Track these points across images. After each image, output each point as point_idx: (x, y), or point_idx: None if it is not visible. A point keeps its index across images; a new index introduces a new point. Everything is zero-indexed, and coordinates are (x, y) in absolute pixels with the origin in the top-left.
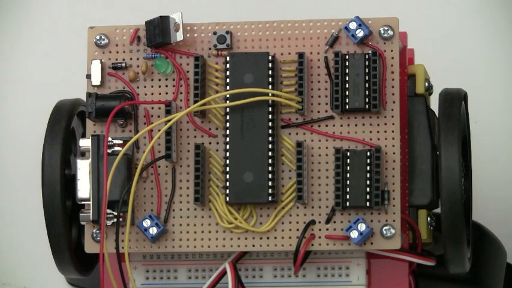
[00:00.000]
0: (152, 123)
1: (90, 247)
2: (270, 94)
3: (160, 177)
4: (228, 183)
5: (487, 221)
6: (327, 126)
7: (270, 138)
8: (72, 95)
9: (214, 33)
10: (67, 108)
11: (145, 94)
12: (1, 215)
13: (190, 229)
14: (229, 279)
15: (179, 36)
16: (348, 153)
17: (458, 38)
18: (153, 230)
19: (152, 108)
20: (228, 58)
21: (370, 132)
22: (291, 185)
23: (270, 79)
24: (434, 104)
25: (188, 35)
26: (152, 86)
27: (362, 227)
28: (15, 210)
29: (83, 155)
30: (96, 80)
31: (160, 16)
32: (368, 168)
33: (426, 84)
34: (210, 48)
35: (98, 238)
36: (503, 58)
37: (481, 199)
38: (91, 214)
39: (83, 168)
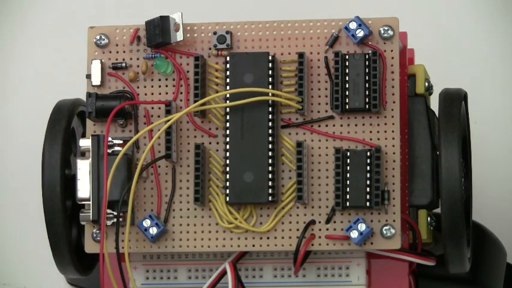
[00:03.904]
0: (152, 123)
1: (90, 247)
2: (270, 94)
3: (160, 177)
4: (228, 183)
5: (487, 221)
6: (327, 126)
7: (270, 138)
8: (72, 95)
9: (214, 33)
10: (67, 108)
11: (145, 94)
12: (1, 215)
13: (190, 229)
14: (229, 279)
15: (179, 36)
16: (348, 153)
17: (458, 38)
18: (153, 230)
19: (152, 108)
20: (228, 58)
21: (370, 132)
22: (291, 185)
23: (270, 79)
24: (434, 104)
25: (188, 35)
26: (152, 86)
27: (362, 227)
28: (15, 210)
29: (83, 155)
30: (96, 80)
31: (160, 16)
32: (368, 168)
33: (426, 84)
34: (210, 48)
35: (98, 238)
36: (503, 58)
37: (481, 199)
38: (91, 214)
39: (83, 168)
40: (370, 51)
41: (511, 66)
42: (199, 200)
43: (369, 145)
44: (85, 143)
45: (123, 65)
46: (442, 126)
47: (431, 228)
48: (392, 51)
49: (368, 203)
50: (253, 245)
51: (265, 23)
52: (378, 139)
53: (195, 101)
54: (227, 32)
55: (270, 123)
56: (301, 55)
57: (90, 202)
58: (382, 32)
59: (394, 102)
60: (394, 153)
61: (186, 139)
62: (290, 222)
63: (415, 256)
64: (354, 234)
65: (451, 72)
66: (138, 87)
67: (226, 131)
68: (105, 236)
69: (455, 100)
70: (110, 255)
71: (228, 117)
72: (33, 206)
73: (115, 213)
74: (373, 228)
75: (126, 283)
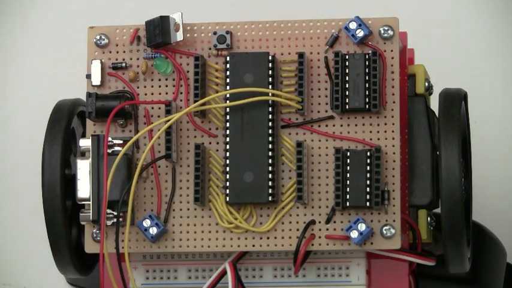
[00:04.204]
0: (152, 123)
1: (90, 247)
2: (270, 94)
3: (160, 177)
4: (228, 183)
5: (487, 221)
6: (327, 126)
7: (270, 138)
8: (72, 95)
9: (214, 33)
10: (67, 108)
11: (145, 94)
12: (1, 215)
13: (190, 229)
14: (229, 279)
15: (179, 36)
16: (348, 153)
17: (458, 38)
18: (153, 230)
19: (152, 108)
20: (228, 58)
21: (370, 132)
22: (291, 185)
23: (270, 79)
24: (434, 104)
25: (188, 35)
26: (152, 86)
27: (362, 227)
28: (15, 210)
29: (83, 155)
30: (96, 80)
31: (160, 16)
32: (368, 168)
33: (426, 84)
34: (210, 48)
35: (98, 238)
36: (503, 58)
37: (481, 199)
38: (91, 214)
39: (83, 168)
40: (370, 51)
41: (511, 66)
42: (199, 200)
43: (369, 145)
44: (85, 143)
45: (123, 65)
46: (442, 126)
47: (431, 228)
48: (392, 51)
49: (368, 203)
50: (253, 245)
51: (265, 23)
52: (378, 139)
53: (195, 101)
54: (227, 32)
55: (270, 123)
56: (301, 55)
57: (90, 202)
58: (382, 32)
59: (394, 102)
60: (394, 153)
61: (186, 139)
62: (290, 222)
63: (415, 256)
64: (354, 234)
65: (451, 72)
66: (138, 87)
67: (226, 131)
68: (105, 236)
69: (455, 100)
70: (110, 255)
71: (228, 117)
72: (33, 206)
73: (115, 213)
74: (373, 228)
75: (126, 283)
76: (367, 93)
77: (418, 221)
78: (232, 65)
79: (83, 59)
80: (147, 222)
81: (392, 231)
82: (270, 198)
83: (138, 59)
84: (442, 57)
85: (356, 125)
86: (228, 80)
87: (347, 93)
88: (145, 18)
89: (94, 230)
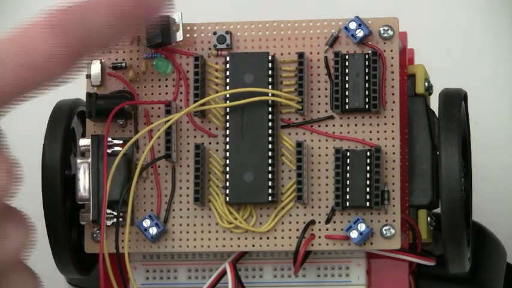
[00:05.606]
0: (152, 123)
1: (90, 247)
2: (270, 94)
3: (160, 177)
4: (228, 183)
5: (487, 221)
6: (327, 126)
7: (270, 138)
8: (72, 95)
9: (214, 33)
10: (67, 108)
11: (145, 94)
12: None
13: (190, 229)
14: (229, 279)
15: (179, 36)
16: (348, 153)
17: (458, 37)
18: (153, 230)
19: (152, 108)
20: (228, 58)
21: (370, 132)
22: (291, 185)
23: (270, 79)
24: (434, 104)
25: (188, 35)
26: (152, 86)
27: (362, 227)
28: None
29: (82, 155)
30: (96, 80)
31: (160, 16)
32: (368, 168)
33: (426, 84)
34: (210, 48)
35: (98, 238)
36: (503, 58)
37: (481, 199)
38: (91, 214)
39: (83, 168)
40: (370, 51)
41: (511, 66)
42: (199, 200)
43: (369, 145)
44: (85, 142)
45: (123, 65)
46: (442, 126)
47: (431, 228)
48: (392, 51)
49: (368, 203)
50: (253, 245)
51: (265, 23)
52: (378, 139)
53: (195, 101)
54: (227, 32)
55: (270, 123)
56: (301, 55)
57: (90, 202)
58: (382, 32)
59: (394, 102)
60: (394, 153)
61: (186, 139)
62: (290, 222)
63: (415, 256)
64: (354, 234)
65: (451, 72)
66: (138, 87)
67: (226, 131)
68: (105, 236)
69: (455, 100)
70: (110, 255)
71: (228, 117)
72: (33, 206)
73: (115, 213)
74: (373, 228)
75: (126, 283)
76: (367, 93)
77: (418, 221)
78: (232, 65)
79: None
80: (147, 222)
81: (392, 231)
82: (269, 198)
83: (138, 59)
84: (442, 57)
85: (356, 125)
86: (228, 80)
87: (347, 93)
88: None
89: (94, 230)
